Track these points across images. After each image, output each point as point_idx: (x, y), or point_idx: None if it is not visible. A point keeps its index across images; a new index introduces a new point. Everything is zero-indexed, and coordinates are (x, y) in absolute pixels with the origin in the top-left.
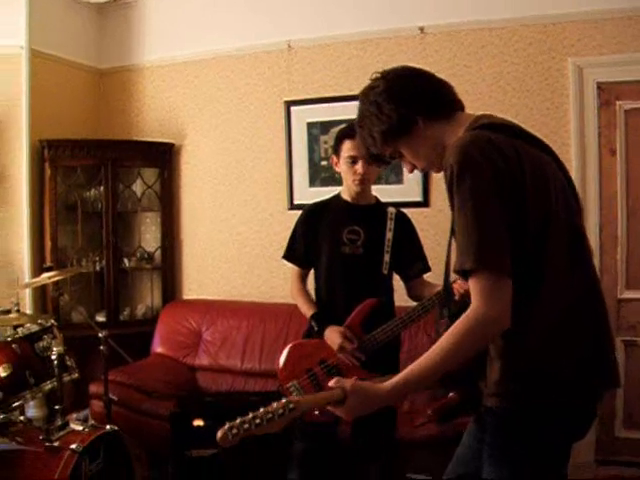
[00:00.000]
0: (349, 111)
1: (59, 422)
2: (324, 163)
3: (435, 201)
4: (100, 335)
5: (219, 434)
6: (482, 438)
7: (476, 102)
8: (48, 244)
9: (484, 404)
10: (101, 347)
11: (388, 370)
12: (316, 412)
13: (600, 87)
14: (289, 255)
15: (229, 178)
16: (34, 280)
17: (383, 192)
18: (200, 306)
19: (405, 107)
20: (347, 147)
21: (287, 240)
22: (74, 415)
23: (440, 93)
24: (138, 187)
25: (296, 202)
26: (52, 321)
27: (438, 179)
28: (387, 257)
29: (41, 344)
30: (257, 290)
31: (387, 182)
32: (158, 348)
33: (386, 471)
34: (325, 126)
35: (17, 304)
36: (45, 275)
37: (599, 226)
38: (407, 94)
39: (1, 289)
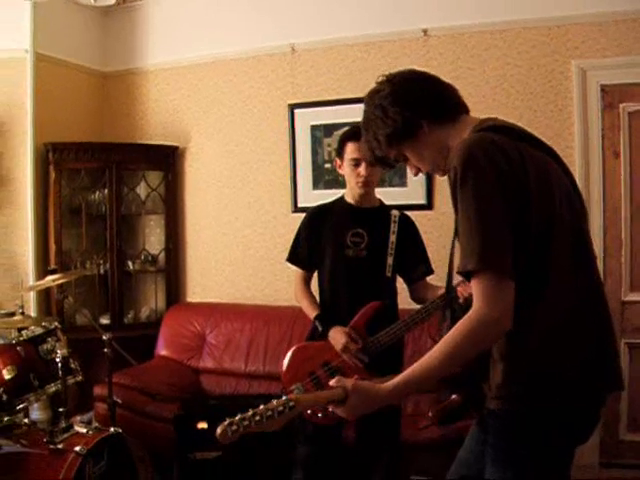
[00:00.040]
0: (353, 114)
1: (63, 424)
2: (328, 166)
3: (439, 204)
4: (104, 338)
5: (219, 430)
6: (485, 441)
7: (480, 104)
8: (52, 247)
9: (487, 406)
10: (105, 350)
11: (391, 373)
12: (319, 415)
13: (604, 89)
14: (293, 258)
15: (233, 181)
16: (38, 283)
17: (387, 195)
18: (204, 309)
19: (410, 110)
20: (350, 149)
21: (291, 243)
22: (78, 417)
23: (445, 96)
24: (142, 190)
25: (300, 205)
26: (56, 324)
27: (442, 182)
28: (391, 260)
29: (45, 347)
30: (261, 293)
31: (391, 185)
32: (162, 351)
33: (390, 473)
34: (329, 129)
35: (21, 307)
36: (49, 278)
37: (603, 229)
38: (412, 98)
39: (6, 292)
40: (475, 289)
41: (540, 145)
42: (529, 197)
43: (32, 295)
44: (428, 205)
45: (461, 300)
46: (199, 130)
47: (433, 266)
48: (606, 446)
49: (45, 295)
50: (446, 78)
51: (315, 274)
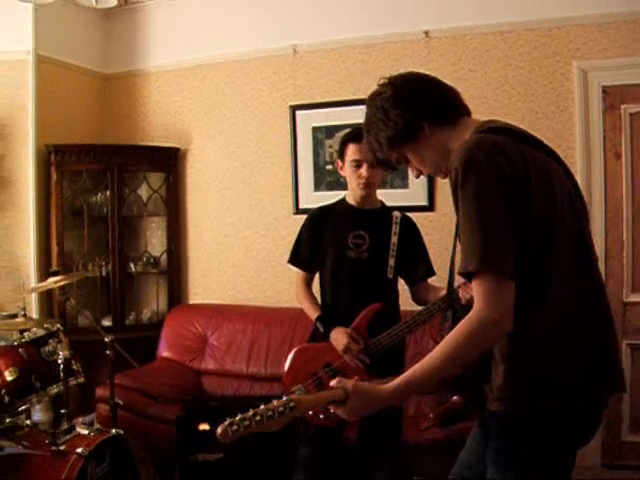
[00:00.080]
0: (354, 115)
1: (65, 426)
2: (329, 167)
3: (440, 205)
4: (106, 339)
5: (219, 430)
6: (486, 442)
7: (481, 106)
8: (54, 249)
9: (488, 408)
10: (107, 351)
11: (393, 374)
12: (321, 416)
13: (605, 90)
14: (294, 259)
15: (235, 182)
16: (40, 284)
17: (388, 196)
18: (206, 310)
19: (411, 113)
20: (351, 151)
21: (292, 244)
22: (80, 419)
23: (446, 99)
24: (144, 192)
25: (301, 206)
26: (58, 325)
27: (443, 184)
28: (392, 261)
29: (47, 348)
30: (263, 294)
31: (392, 186)
32: (164, 352)
33: (392, 475)
34: (330, 130)
35: (23, 308)
36: (51, 279)
37: (604, 230)
38: (414, 100)
39: (7, 293)
40: (476, 290)
41: (541, 146)
42: (531, 198)
43: (34, 297)
44: (430, 207)
45: (463, 302)
46: (201, 132)
47: (434, 267)
48: (608, 447)
49: (47, 297)
50: (447, 79)
51: (317, 276)
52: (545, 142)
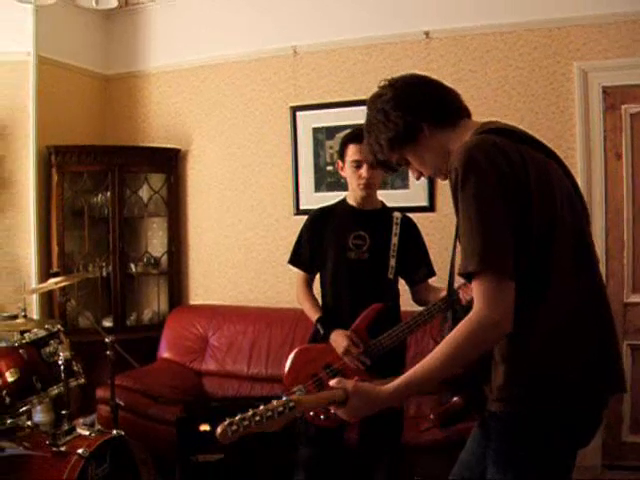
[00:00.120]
0: (354, 116)
1: (66, 427)
2: (330, 168)
3: (441, 206)
4: (107, 340)
5: (219, 430)
6: (486, 443)
7: (481, 106)
8: (55, 249)
9: (488, 409)
10: (108, 352)
11: (393, 375)
12: (321, 417)
13: (605, 91)
14: (295, 260)
15: (235, 183)
16: (41, 285)
17: (389, 197)
18: (206, 311)
19: (411, 115)
20: (351, 151)
21: (293, 245)
22: (81, 420)
23: (446, 101)
24: (145, 192)
25: (302, 207)
26: (59, 326)
27: (444, 184)
28: (393, 262)
29: (48, 349)
30: (263, 295)
31: (393, 187)
32: (164, 353)
33: (392, 476)
34: (331, 131)
35: (24, 309)
36: (52, 280)
37: (605, 230)
38: (414, 102)
39: (8, 294)
40: (476, 290)
41: (541, 147)
42: (530, 199)
43: (35, 298)
44: (430, 207)
45: (463, 302)
46: (201, 133)
47: (435, 268)
48: (608, 448)
49: (48, 298)
50: (448, 80)
51: (317, 276)
52: (545, 143)
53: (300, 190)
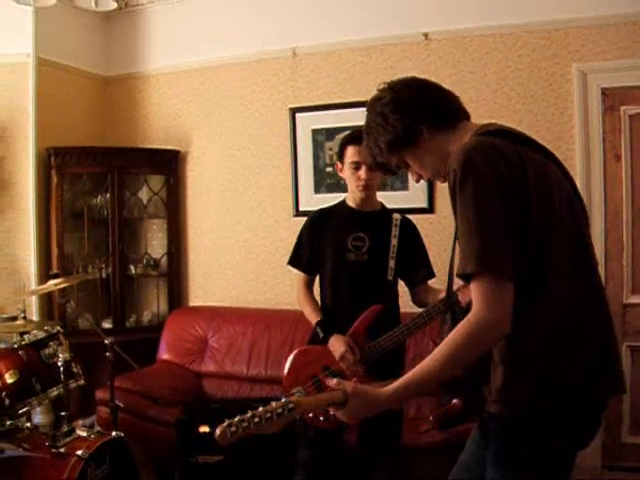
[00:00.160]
0: (354, 118)
1: (65, 428)
2: (329, 169)
3: (440, 207)
4: (106, 342)
5: (218, 431)
6: (485, 445)
7: (480, 108)
8: (54, 251)
9: (487, 410)
10: (107, 354)
11: (392, 377)
12: (321, 418)
13: (604, 92)
14: (294, 261)
15: (235, 185)
16: (40, 287)
17: (388, 198)
18: (206, 313)
19: (410, 118)
20: (350, 153)
21: (293, 246)
22: (80, 421)
23: (445, 103)
24: (144, 194)
25: (301, 208)
26: (58, 328)
27: (443, 186)
28: (392, 263)
29: (47, 351)
30: (263, 297)
31: (392, 188)
32: (164, 355)
33: (391, 478)
34: (330, 133)
35: (23, 311)
36: (51, 282)
37: (604, 232)
38: (413, 105)
39: (8, 296)
40: (474, 292)
41: (540, 149)
42: (529, 201)
43: (34, 299)
44: (430, 208)
45: (463, 304)
46: (201, 134)
47: (435, 269)
48: (608, 449)
49: (47, 299)
50: (447, 81)
51: (317, 277)
52: (544, 144)
53: (300, 191)
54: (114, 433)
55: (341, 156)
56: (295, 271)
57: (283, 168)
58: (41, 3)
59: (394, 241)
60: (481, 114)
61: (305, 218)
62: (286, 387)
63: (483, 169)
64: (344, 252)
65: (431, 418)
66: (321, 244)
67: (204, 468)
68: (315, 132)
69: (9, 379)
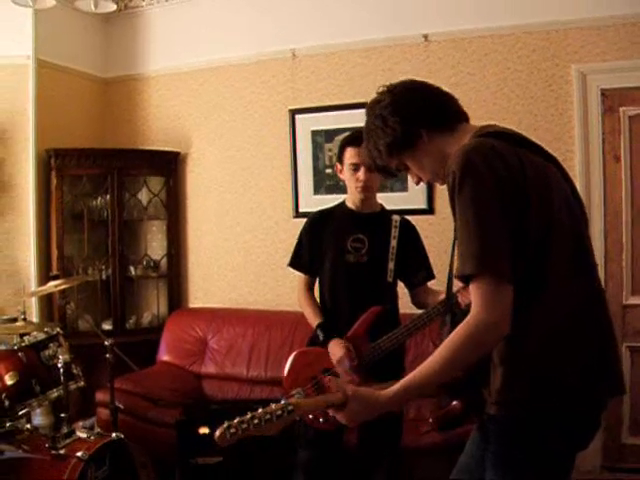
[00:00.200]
0: (353, 119)
1: (65, 430)
2: (329, 171)
3: (440, 209)
4: (106, 343)
5: (217, 433)
6: (485, 446)
7: (480, 109)
8: (54, 253)
9: (487, 411)
10: (107, 355)
11: (393, 379)
12: (320, 420)
13: (604, 93)
14: (295, 262)
15: (234, 186)
16: (40, 288)
17: (388, 200)
18: (206, 314)
19: (409, 120)
20: (350, 154)
21: (293, 248)
22: (80, 423)
23: (444, 106)
24: (144, 195)
25: (301, 210)
26: (58, 329)
27: (442, 187)
28: (392, 265)
29: (47, 352)
30: (263, 298)
31: (392, 190)
32: (164, 356)
33: (391, 479)
34: (329, 134)
35: (23, 312)
36: (51, 283)
37: (604, 233)
38: (412, 108)
39: (8, 297)
40: (473, 293)
41: (539, 151)
42: (528, 202)
43: (34, 301)
44: (429, 210)
45: (462, 306)
46: (200, 136)
47: (434, 271)
48: (608, 450)
49: (47, 301)
50: (446, 83)
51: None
52: (543, 146)
53: (299, 193)
54: (114, 434)
55: (340, 157)
56: (297, 273)
57: (283, 169)
58: (41, 5)
59: (394, 242)
60: (480, 115)
61: (305, 219)
62: (286, 388)
63: (482, 171)
64: (343, 254)
65: (431, 420)
66: (320, 246)
67: (204, 469)
68: (315, 133)
69: (9, 381)
